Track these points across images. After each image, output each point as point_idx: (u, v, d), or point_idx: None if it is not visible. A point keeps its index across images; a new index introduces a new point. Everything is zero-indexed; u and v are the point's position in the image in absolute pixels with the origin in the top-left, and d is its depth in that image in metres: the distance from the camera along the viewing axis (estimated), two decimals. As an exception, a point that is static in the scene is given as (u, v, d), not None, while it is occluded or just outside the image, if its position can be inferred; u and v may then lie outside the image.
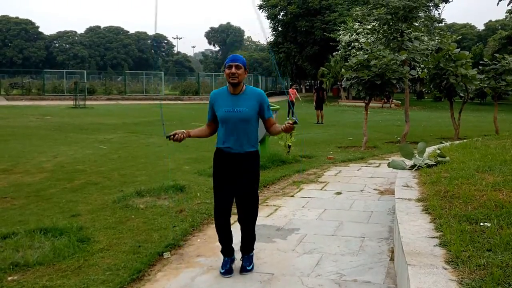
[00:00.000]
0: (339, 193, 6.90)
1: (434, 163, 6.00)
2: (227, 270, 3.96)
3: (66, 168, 8.85)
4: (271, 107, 4.29)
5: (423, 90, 46.74)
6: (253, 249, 4.13)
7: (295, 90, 26.83)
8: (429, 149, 7.32)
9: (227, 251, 4.06)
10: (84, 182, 7.58)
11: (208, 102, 4.09)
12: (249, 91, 3.89)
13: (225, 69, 3.82)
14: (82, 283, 3.68)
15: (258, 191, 4.08)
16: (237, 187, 3.90)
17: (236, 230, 4.13)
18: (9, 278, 3.76)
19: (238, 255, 4.16)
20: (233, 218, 4.07)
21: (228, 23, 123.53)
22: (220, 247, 4.11)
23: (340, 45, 39.11)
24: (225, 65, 3.84)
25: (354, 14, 20.74)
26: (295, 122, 3.64)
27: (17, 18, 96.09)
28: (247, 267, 4.01)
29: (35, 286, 3.62)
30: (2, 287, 3.61)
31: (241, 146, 3.83)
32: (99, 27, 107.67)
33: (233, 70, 3.75)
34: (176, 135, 3.83)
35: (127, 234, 4.87)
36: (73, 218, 5.48)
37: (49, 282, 3.69)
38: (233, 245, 4.11)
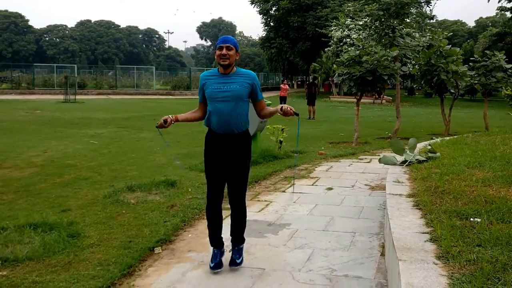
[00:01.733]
0: (330, 189, 6.91)
1: (425, 159, 6.03)
2: (216, 264, 3.92)
3: (56, 163, 8.79)
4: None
5: (414, 86, 47.02)
6: (243, 239, 4.09)
7: (287, 86, 26.72)
8: (420, 145, 7.36)
9: (215, 240, 4.00)
10: (74, 177, 7.54)
11: (197, 97, 4.05)
12: (240, 71, 3.84)
13: (216, 50, 3.77)
14: (72, 279, 3.66)
15: (248, 184, 4.05)
16: (228, 169, 3.85)
17: (225, 224, 4.12)
18: (-2, 274, 3.73)
19: (227, 248, 4.14)
20: (225, 213, 4.07)
21: (220, 18, 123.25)
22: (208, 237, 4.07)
23: (332, 41, 39.11)
24: (216, 46, 3.79)
25: (346, 10, 20.77)
26: (297, 114, 3.66)
27: (6, 11, 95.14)
28: (236, 259, 3.98)
29: (24, 282, 3.59)
30: (-9, 283, 3.58)
31: (231, 126, 3.77)
32: (90, 21, 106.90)
33: (224, 51, 3.69)
34: (160, 122, 3.76)
35: (117, 229, 4.85)
36: (63, 213, 5.44)
37: (38, 278, 3.66)
38: (223, 240, 4.09)
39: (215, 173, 3.88)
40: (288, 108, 3.68)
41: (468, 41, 58.84)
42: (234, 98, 3.74)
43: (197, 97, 4.08)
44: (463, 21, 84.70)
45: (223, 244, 4.09)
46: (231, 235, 4.05)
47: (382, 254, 4.26)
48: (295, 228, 5.05)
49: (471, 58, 14.62)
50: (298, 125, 4.20)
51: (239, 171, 3.87)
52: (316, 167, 8.67)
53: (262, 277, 3.79)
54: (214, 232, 4.00)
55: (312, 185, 7.21)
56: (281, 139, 9.70)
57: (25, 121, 16.60)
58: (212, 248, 4.04)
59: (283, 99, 24.41)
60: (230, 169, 3.86)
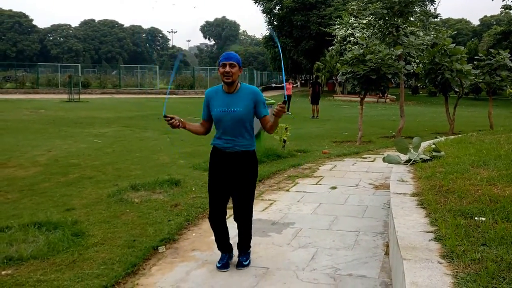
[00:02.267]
0: (334, 188, 6.91)
1: (429, 157, 6.01)
2: (223, 264, 3.96)
3: (60, 162, 8.81)
4: (266, 101, 4.25)
5: (418, 85, 46.92)
6: (249, 247, 4.12)
7: (291, 85, 26.36)
8: (424, 144, 7.33)
9: (224, 248, 4.05)
10: (78, 176, 7.55)
11: (203, 96, 4.05)
12: (244, 89, 3.83)
13: (219, 67, 3.77)
14: (76, 277, 3.67)
15: (255, 190, 4.05)
16: (232, 187, 3.87)
17: (232, 226, 4.12)
18: (3, 273, 3.75)
19: (235, 251, 4.16)
20: (229, 212, 4.07)
21: (224, 17, 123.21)
22: (215, 242, 4.10)
23: (335, 40, 39.04)
24: (219, 63, 3.79)
25: (349, 9, 20.74)
26: (284, 102, 3.51)
27: (10, 11, 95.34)
28: (243, 262, 4.00)
29: (29, 281, 3.60)
30: (-5, 281, 3.59)
31: (236, 145, 3.80)
32: (93, 20, 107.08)
33: (227, 69, 3.70)
34: (173, 120, 3.72)
35: (121, 228, 4.85)
36: (67, 212, 5.46)
37: (43, 276, 3.67)
38: (230, 241, 4.10)
39: (218, 190, 3.89)
40: (278, 108, 3.51)
41: (473, 39, 58.69)
42: (239, 119, 3.76)
43: (201, 96, 4.09)
44: (467, 19, 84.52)
45: (231, 249, 4.11)
46: (237, 245, 4.08)
47: (386, 253, 4.25)
48: (299, 227, 5.04)
49: (476, 57, 14.57)
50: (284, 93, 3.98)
51: (244, 190, 3.88)
52: (320, 166, 8.66)
53: (266, 276, 3.79)
54: (221, 241, 4.03)
55: (316, 184, 7.21)
56: (285, 138, 9.70)
57: (29, 121, 16.65)
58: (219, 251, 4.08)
59: (288, 98, 24.09)
60: (235, 187, 3.87)
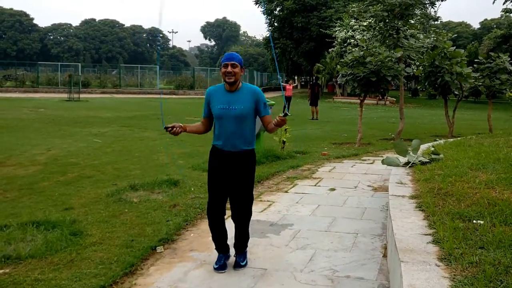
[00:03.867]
0: (333, 189, 6.91)
1: (428, 160, 6.02)
2: (221, 265, 3.96)
3: (60, 161, 8.81)
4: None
5: (418, 87, 46.88)
6: (246, 246, 4.13)
7: (291, 86, 25.91)
8: (423, 147, 7.34)
9: (221, 248, 4.05)
10: (77, 175, 7.55)
11: (202, 97, 4.06)
12: (245, 88, 3.84)
13: (221, 67, 3.78)
14: (74, 277, 3.67)
15: (253, 190, 4.06)
16: (231, 187, 3.88)
17: (229, 226, 4.12)
18: (1, 271, 3.74)
19: (232, 251, 4.16)
20: (227, 213, 4.07)
21: (224, 17, 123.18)
22: (213, 242, 4.10)
23: (336, 42, 39.06)
24: (221, 64, 3.80)
25: (350, 11, 20.71)
26: (285, 114, 3.57)
27: (11, 9, 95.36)
28: (240, 262, 4.01)
29: (26, 279, 3.60)
30: (-7, 280, 3.59)
31: (236, 144, 3.80)
32: (94, 20, 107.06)
33: (229, 69, 3.71)
34: (174, 128, 3.77)
35: (120, 228, 4.85)
36: (66, 211, 5.46)
37: (41, 275, 3.67)
38: (227, 242, 4.10)
39: (217, 188, 3.89)
40: (278, 120, 3.56)
41: (473, 42, 58.66)
42: (239, 118, 3.76)
43: (201, 96, 4.10)
44: (467, 22, 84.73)
45: (228, 249, 4.12)
46: (234, 245, 4.08)
47: (385, 256, 4.25)
48: (298, 229, 5.05)
49: (476, 60, 14.58)
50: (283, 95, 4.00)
51: (243, 189, 3.89)
52: (319, 168, 8.66)
53: (264, 277, 3.80)
54: (219, 241, 4.04)
55: (315, 185, 7.21)
56: (284, 139, 9.70)
57: (29, 119, 16.64)
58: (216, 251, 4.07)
59: (288, 99, 23.75)
60: (234, 187, 3.87)
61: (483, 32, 71.87)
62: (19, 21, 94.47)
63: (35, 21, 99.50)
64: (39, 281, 3.59)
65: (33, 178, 7.31)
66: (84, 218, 5.16)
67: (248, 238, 4.11)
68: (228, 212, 4.03)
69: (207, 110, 3.94)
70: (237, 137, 3.79)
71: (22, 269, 3.80)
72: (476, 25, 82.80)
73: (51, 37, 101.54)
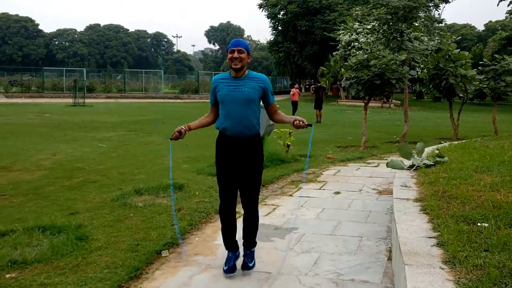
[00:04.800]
0: (337, 193, 6.91)
1: (432, 163, 6.01)
2: (230, 267, 3.91)
3: (65, 166, 8.85)
4: None
5: (423, 90, 46.70)
6: (255, 243, 4.09)
7: (297, 90, 24.78)
8: (427, 149, 7.33)
9: (230, 244, 4.01)
10: (82, 180, 7.59)
11: (207, 101, 4.07)
12: (252, 74, 3.82)
13: (227, 53, 3.76)
14: (80, 281, 3.68)
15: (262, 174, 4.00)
16: (240, 172, 3.84)
17: (239, 226, 4.12)
18: (7, 276, 3.77)
19: (241, 252, 4.14)
20: (238, 213, 4.07)
21: (228, 22, 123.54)
22: (219, 245, 4.09)
23: (340, 45, 39.11)
24: (227, 50, 3.78)
25: (354, 14, 20.73)
26: (310, 124, 3.60)
27: (17, 15, 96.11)
28: (249, 263, 3.98)
29: (33, 284, 3.62)
30: (0, 285, 3.61)
31: (242, 129, 3.75)
32: (98, 25, 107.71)
33: (236, 54, 3.68)
34: (175, 134, 3.77)
35: (125, 232, 4.87)
36: (71, 216, 5.48)
37: (47, 280, 3.69)
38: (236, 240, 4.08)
39: (227, 177, 3.87)
40: (301, 123, 3.61)
41: (477, 45, 58.56)
42: (245, 101, 3.73)
43: (205, 100, 4.12)
44: (472, 24, 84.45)
45: (238, 247, 4.09)
46: (243, 238, 4.05)
47: (389, 259, 4.25)
48: (302, 232, 5.05)
49: (480, 62, 14.56)
50: (311, 135, 4.10)
51: (251, 174, 3.86)
52: (323, 171, 8.66)
53: (269, 281, 3.80)
54: (229, 236, 4.01)
55: (320, 189, 7.21)
56: (289, 143, 9.71)
57: (34, 124, 16.74)
58: (226, 251, 4.05)
59: (294, 104, 23.17)
60: (242, 172, 3.84)
61: (487, 34, 71.73)
62: (25, 27, 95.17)
63: (40, 27, 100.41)
64: (45, 285, 3.61)
65: (38, 183, 7.34)
66: (89, 223, 5.18)
67: (257, 230, 4.07)
68: (239, 213, 4.04)
69: (213, 97, 3.91)
70: (243, 121, 3.74)
71: (29, 274, 3.82)
72: (480, 27, 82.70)
73: (56, 42, 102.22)
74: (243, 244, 4.07)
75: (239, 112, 3.73)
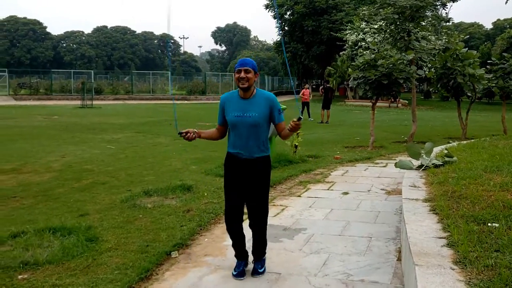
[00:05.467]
0: (346, 193, 6.90)
1: (441, 163, 5.99)
2: (239, 272, 3.96)
3: (74, 167, 8.91)
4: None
5: (430, 89, 46.58)
6: (265, 253, 4.12)
7: (308, 90, 23.83)
8: (436, 149, 7.30)
9: (240, 255, 4.05)
10: (92, 182, 7.63)
11: (214, 102, 4.10)
12: (260, 95, 3.84)
13: (235, 73, 3.81)
14: (91, 282, 3.72)
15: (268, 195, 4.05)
16: (247, 194, 3.89)
17: (247, 231, 4.13)
18: (19, 277, 3.80)
19: (250, 258, 4.17)
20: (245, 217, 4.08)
21: (235, 22, 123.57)
22: (228, 246, 4.11)
23: (346, 45, 39.01)
24: (235, 70, 3.83)
25: (360, 14, 20.70)
26: (299, 118, 3.57)
27: (25, 18, 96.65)
28: (258, 269, 4.00)
29: (44, 285, 3.66)
30: (12, 286, 3.65)
31: (251, 151, 3.81)
32: (106, 27, 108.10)
33: (242, 74, 3.72)
34: (188, 134, 3.82)
35: (135, 234, 4.90)
36: (81, 217, 5.52)
37: (58, 281, 3.73)
38: (246, 248, 4.11)
39: (234, 196, 3.90)
40: (293, 124, 3.57)
41: (486, 43, 58.16)
42: (254, 125, 3.77)
43: (212, 102, 4.14)
44: (480, 23, 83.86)
45: (247, 256, 4.12)
46: (252, 253, 4.08)
47: (399, 259, 4.24)
48: (311, 233, 5.05)
49: (489, 61, 14.48)
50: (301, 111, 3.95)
51: (258, 195, 3.89)
52: (331, 172, 8.65)
53: (279, 282, 3.81)
54: (238, 247, 4.04)
55: (328, 189, 7.21)
56: (296, 144, 9.70)
57: (43, 127, 16.85)
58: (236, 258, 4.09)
59: (306, 105, 22.63)
60: (250, 193, 3.88)
61: (496, 32, 71.24)
62: (33, 29, 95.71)
63: (48, 29, 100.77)
64: (57, 286, 3.64)
65: (48, 185, 7.40)
66: (99, 224, 5.22)
67: (266, 245, 4.11)
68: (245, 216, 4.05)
69: (221, 117, 3.95)
70: (253, 144, 3.80)
71: (40, 275, 3.85)
72: (488, 26, 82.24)
73: (64, 44, 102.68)
74: (253, 254, 4.09)
75: (247, 135, 3.79)
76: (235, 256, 4.07)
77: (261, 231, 4.00)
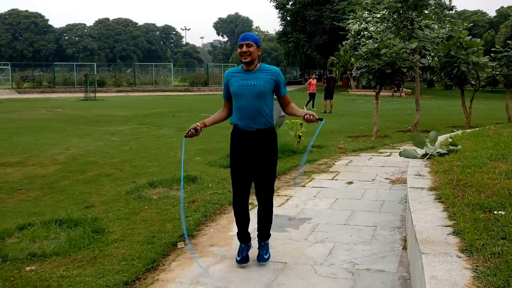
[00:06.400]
0: (350, 183, 6.90)
1: (446, 151, 5.98)
2: (243, 258, 3.97)
3: (79, 160, 8.94)
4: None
5: (434, 78, 46.37)
6: (269, 235, 4.11)
7: (315, 80, 23.34)
8: (440, 138, 7.28)
9: (243, 236, 4.05)
10: (96, 174, 7.66)
11: (217, 93, 4.10)
12: (264, 67, 3.84)
13: (237, 48, 3.80)
14: (97, 273, 3.74)
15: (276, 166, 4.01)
16: (254, 166, 3.85)
17: (253, 217, 4.15)
18: (27, 268, 3.83)
19: (254, 243, 4.17)
20: (251, 205, 4.10)
21: (237, 13, 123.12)
22: (234, 236, 4.11)
23: (349, 34, 38.81)
24: (237, 44, 3.82)
25: (363, 3, 20.60)
26: (320, 119, 3.61)
27: (26, 11, 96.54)
28: (264, 255, 4.01)
29: (52, 276, 3.68)
30: (20, 277, 3.68)
31: (256, 123, 3.77)
32: (108, 19, 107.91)
33: (244, 48, 3.70)
34: (191, 131, 3.80)
35: (141, 225, 4.92)
36: (87, 209, 5.55)
37: (65, 272, 3.75)
38: (249, 231, 4.11)
39: (240, 170, 3.89)
40: (311, 117, 3.62)
41: (489, 31, 57.78)
42: (258, 94, 3.74)
43: (215, 93, 4.13)
44: (483, 11, 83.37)
45: (250, 238, 4.13)
46: (257, 230, 4.08)
47: (404, 248, 4.25)
48: (316, 222, 5.06)
49: (492, 49, 14.37)
50: (319, 128, 4.04)
51: (266, 168, 3.87)
52: (335, 161, 8.65)
53: (285, 271, 3.82)
54: (242, 228, 4.04)
55: (332, 179, 7.21)
56: (300, 134, 9.69)
57: (47, 119, 16.89)
58: (239, 242, 4.09)
59: (312, 96, 22.38)
60: (257, 166, 3.86)
61: (499, 20, 70.78)
62: (35, 22, 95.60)
63: (50, 22, 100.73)
64: (64, 277, 3.67)
65: (53, 177, 7.43)
66: (105, 216, 5.24)
67: (271, 221, 4.09)
68: (251, 205, 4.06)
69: (226, 91, 3.92)
70: (257, 115, 3.76)
71: (48, 266, 3.88)
72: (492, 13, 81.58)
73: (66, 37, 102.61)
74: (258, 236, 4.09)
75: (251, 105, 3.75)
76: (238, 237, 4.07)
77: (267, 204, 3.99)
